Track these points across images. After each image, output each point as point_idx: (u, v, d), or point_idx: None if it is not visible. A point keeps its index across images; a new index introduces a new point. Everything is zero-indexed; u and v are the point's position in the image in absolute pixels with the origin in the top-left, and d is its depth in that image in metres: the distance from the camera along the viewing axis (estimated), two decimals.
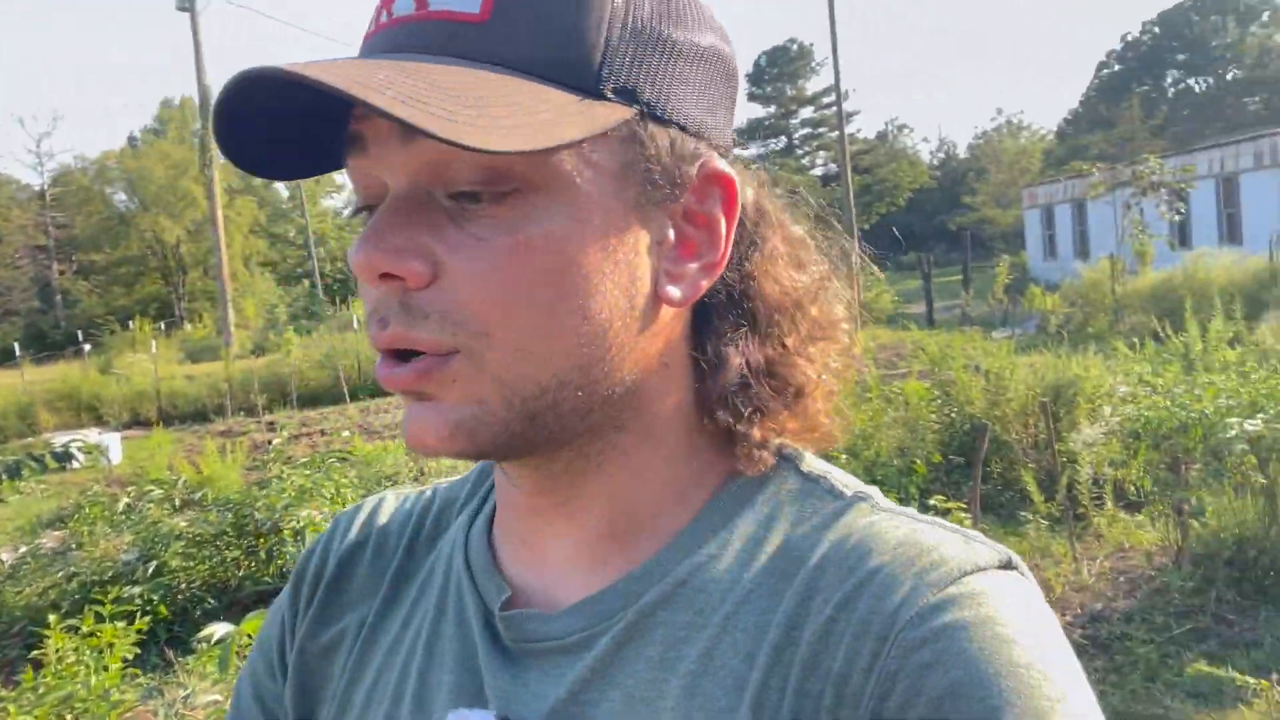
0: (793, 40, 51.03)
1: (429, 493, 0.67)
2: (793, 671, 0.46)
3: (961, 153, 54.61)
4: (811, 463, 0.56)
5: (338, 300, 29.24)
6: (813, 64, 50.60)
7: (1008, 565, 0.48)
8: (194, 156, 30.67)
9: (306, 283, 32.60)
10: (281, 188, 42.15)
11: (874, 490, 0.54)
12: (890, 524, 0.50)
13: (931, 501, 4.55)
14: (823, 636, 0.46)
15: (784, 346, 0.55)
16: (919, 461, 5.42)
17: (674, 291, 0.51)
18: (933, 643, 0.43)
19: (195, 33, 18.04)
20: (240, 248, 37.84)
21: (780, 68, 51.10)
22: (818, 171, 49.32)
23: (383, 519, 0.66)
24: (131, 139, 48.31)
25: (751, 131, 53.27)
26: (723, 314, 0.54)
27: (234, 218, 36.81)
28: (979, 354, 7.27)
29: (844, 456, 5.67)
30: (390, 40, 0.47)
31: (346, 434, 9.80)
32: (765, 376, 0.54)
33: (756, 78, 52.39)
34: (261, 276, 33.37)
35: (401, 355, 0.47)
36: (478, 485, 0.64)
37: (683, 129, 0.50)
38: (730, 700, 0.46)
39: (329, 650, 0.62)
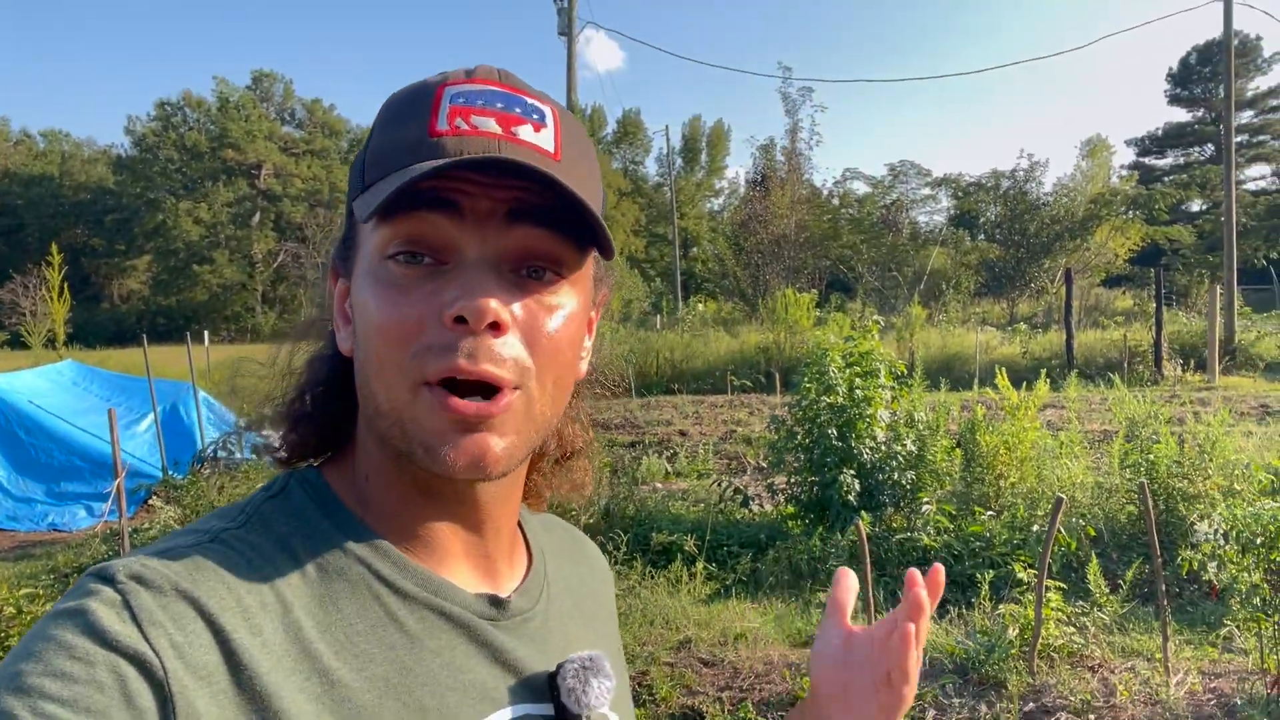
0: (1235, 34, 43.94)
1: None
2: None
3: None
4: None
5: (689, 299, 30.86)
6: (1259, 60, 43.22)
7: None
8: None
9: (658, 281, 34.55)
10: (668, 191, 45.09)
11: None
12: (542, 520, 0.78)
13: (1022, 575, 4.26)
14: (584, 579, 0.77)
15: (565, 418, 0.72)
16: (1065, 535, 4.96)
17: (584, 368, 0.67)
18: None
19: (570, 55, 20.03)
20: (620, 244, 40.72)
21: (1215, 65, 44.32)
22: (1251, 186, 42.06)
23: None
24: None
25: (1169, 139, 46.75)
26: None
27: (618, 218, 40.19)
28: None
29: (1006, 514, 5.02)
30: (483, 147, 0.54)
31: None
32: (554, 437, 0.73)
33: (1182, 78, 45.86)
34: (630, 274, 34.63)
35: (459, 389, 0.54)
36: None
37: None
38: (596, 609, 0.77)
39: None
